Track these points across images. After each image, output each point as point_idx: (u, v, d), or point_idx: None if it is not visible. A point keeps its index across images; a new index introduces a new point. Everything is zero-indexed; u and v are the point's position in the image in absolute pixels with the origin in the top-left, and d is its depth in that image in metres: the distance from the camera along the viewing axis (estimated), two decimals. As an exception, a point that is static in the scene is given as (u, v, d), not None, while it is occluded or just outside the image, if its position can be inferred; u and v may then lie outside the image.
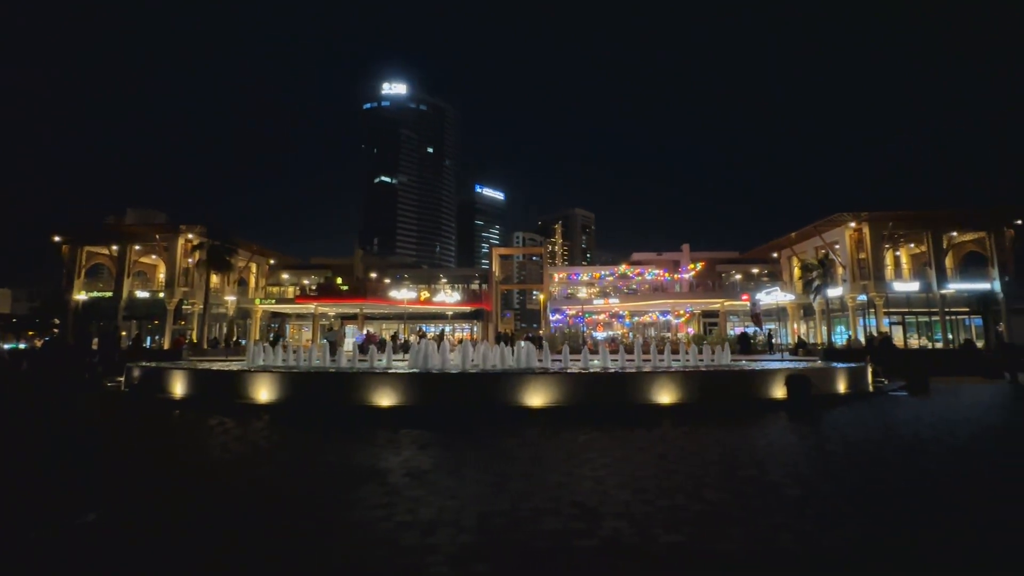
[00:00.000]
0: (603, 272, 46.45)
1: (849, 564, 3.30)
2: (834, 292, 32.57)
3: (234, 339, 35.64)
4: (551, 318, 42.86)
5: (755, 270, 43.50)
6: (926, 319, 32.35)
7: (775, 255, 41.20)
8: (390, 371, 11.78)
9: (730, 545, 3.55)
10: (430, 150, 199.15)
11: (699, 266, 42.84)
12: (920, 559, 3.41)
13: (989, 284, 30.28)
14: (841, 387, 13.03)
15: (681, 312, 42.16)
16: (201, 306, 32.42)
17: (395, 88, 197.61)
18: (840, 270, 32.56)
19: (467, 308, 42.67)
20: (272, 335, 35.66)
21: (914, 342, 32.04)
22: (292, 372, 12.03)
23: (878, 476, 5.52)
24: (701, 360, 16.09)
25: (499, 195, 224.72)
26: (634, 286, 43.58)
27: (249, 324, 41.15)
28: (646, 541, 3.63)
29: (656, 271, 43.66)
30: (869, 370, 14.77)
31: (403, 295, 37.67)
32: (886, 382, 15.75)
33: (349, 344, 27.37)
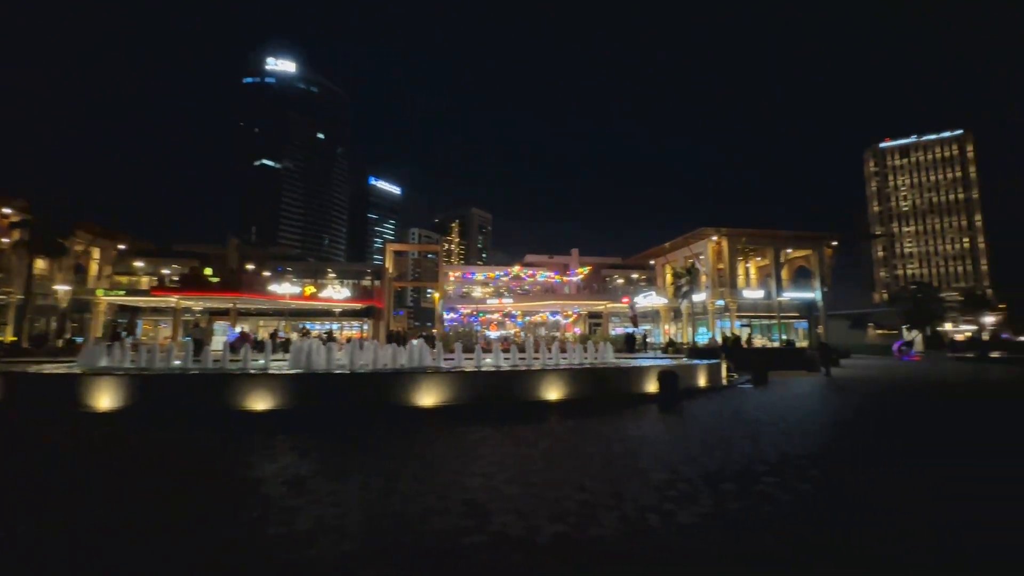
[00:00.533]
0: (498, 272, 47.37)
1: (699, 535, 3.76)
2: (698, 297, 36.78)
3: (66, 336, 30.12)
4: (445, 317, 42.65)
5: (635, 275, 47.55)
6: (767, 322, 37.97)
7: (652, 263, 45.37)
8: (268, 372, 10.81)
9: (605, 530, 3.84)
10: (321, 136, 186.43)
11: (587, 270, 45.66)
12: (760, 526, 3.99)
13: (813, 294, 36.48)
14: (702, 381, 14.78)
15: (569, 313, 44.54)
16: (20, 296, 26.86)
17: (282, 65, 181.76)
18: (704, 278, 36.87)
19: (358, 305, 40.75)
20: (117, 331, 30.66)
21: (758, 342, 37.37)
22: (144, 374, 10.49)
23: (729, 457, 6.34)
24: (586, 358, 17.14)
25: (395, 189, 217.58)
26: (527, 287, 45.07)
27: (88, 319, 35.03)
28: (532, 533, 3.77)
29: (548, 273, 45.62)
30: (724, 366, 16.96)
31: (285, 289, 34.79)
32: (736, 376, 18.18)
33: (219, 343, 24.57)
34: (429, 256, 77.03)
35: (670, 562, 3.38)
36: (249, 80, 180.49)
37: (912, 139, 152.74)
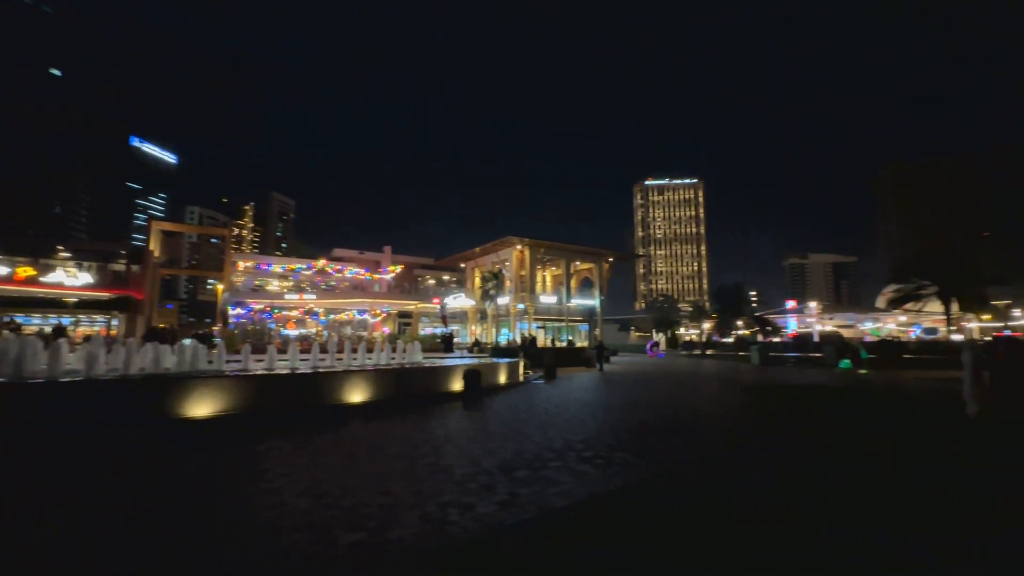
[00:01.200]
0: (299, 265, 43.11)
1: (492, 520, 4.06)
2: (503, 300, 39.62)
3: None
4: (231, 312, 36.92)
5: (446, 277, 48.74)
6: (558, 324, 43.07)
7: (462, 266, 47.14)
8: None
9: (406, 530, 3.83)
10: (56, 72, 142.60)
11: (399, 268, 44.96)
12: (546, 504, 4.48)
13: (594, 301, 42.78)
14: (503, 379, 15.92)
15: (379, 312, 43.16)
16: None
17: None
18: (508, 283, 39.88)
19: (104, 295, 32.33)
20: None
21: (552, 342, 42.12)
22: None
23: (523, 447, 6.97)
24: (394, 358, 16.83)
25: (169, 157, 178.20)
26: (333, 283, 42.13)
27: None
28: (326, 546, 3.53)
29: (357, 269, 43.44)
30: (521, 364, 18.60)
31: (-19, 270, 25.44)
32: (531, 373, 20.13)
33: None
34: (213, 241, 65.81)
35: (468, 552, 3.54)
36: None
37: (666, 180, 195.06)
